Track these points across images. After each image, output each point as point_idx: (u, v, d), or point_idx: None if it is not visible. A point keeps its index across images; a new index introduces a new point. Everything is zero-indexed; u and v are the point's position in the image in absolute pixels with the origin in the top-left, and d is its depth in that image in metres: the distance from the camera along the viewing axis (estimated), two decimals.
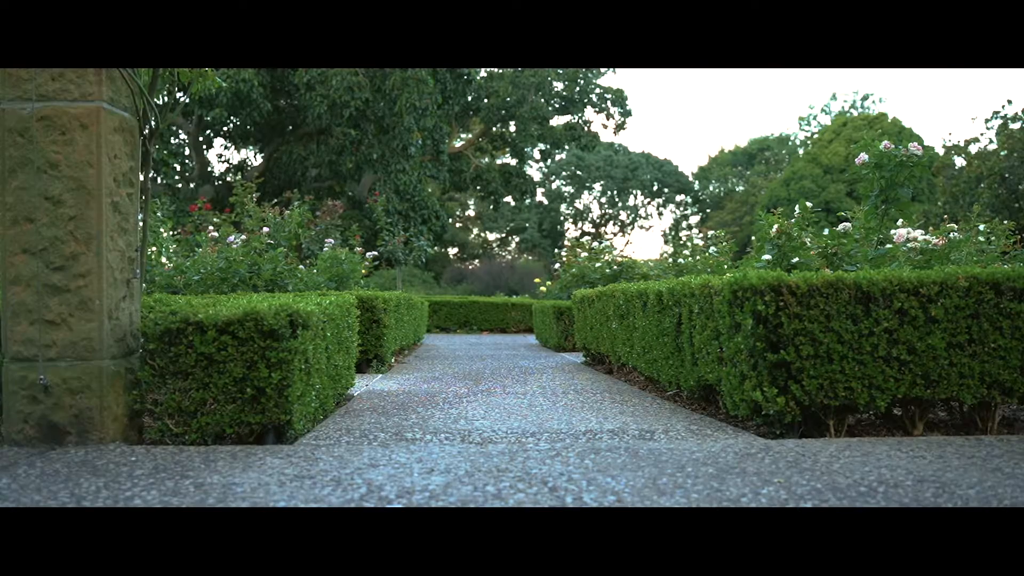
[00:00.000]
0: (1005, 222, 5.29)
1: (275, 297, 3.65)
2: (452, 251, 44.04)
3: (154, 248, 6.80)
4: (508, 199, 35.63)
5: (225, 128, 21.80)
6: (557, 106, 29.47)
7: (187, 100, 3.23)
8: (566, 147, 31.92)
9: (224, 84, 3.39)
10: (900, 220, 4.72)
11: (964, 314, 2.92)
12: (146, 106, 2.98)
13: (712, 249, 8.43)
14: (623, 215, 51.64)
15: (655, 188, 50.95)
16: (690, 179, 51.93)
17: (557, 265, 11.41)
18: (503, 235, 49.20)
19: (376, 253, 10.87)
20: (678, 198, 51.78)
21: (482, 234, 48.97)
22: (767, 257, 4.87)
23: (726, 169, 53.38)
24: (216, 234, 7.61)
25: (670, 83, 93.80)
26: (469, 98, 26.21)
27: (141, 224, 3.05)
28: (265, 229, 7.66)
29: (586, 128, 30.09)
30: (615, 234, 51.48)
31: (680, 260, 8.73)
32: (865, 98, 51.16)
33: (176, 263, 6.82)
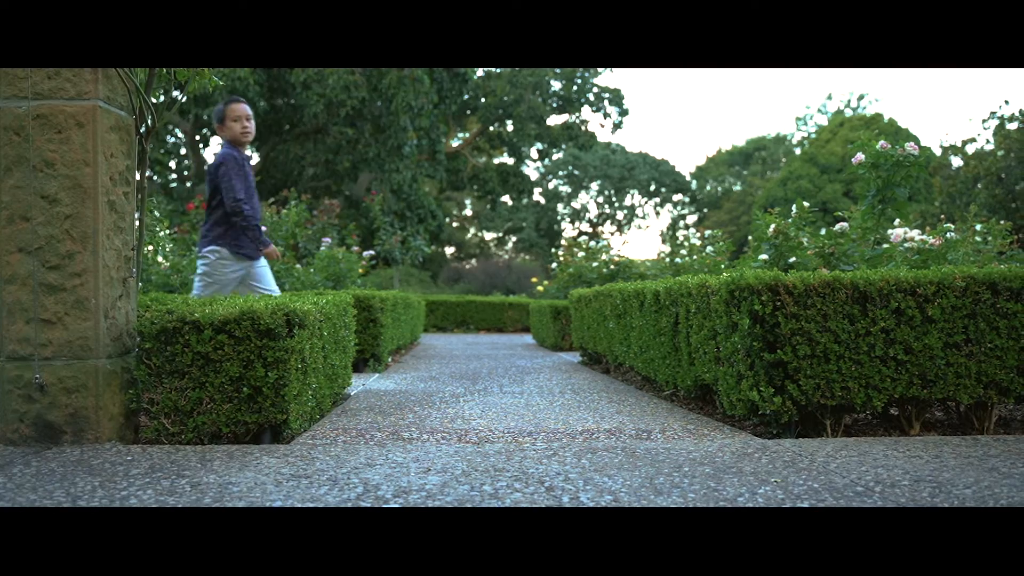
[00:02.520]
0: (1002, 222, 5.29)
1: (272, 296, 3.64)
2: (449, 250, 44.02)
3: (151, 247, 6.78)
4: (505, 198, 35.63)
5: None
6: (554, 105, 29.47)
7: (184, 99, 3.23)
8: (563, 146, 31.91)
9: (220, 83, 3.39)
10: (897, 220, 4.72)
11: (961, 314, 2.93)
12: (142, 104, 2.97)
13: (709, 249, 8.44)
14: (620, 215, 51.67)
15: (652, 188, 50.96)
16: (687, 179, 51.96)
17: (554, 265, 11.41)
18: (500, 234, 49.19)
19: (373, 252, 10.86)
20: (675, 198, 51.81)
21: (479, 233, 48.97)
22: (764, 257, 4.87)
23: (723, 169, 53.42)
24: None
25: (668, 83, 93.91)
26: (466, 97, 26.21)
27: (137, 223, 3.05)
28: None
29: (583, 127, 30.08)
30: (612, 233, 51.53)
31: (677, 260, 8.74)
32: (861, 98, 51.26)
33: (173, 262, 6.81)
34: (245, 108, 4.66)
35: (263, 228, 4.93)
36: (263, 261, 4.81)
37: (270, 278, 4.85)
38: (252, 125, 4.65)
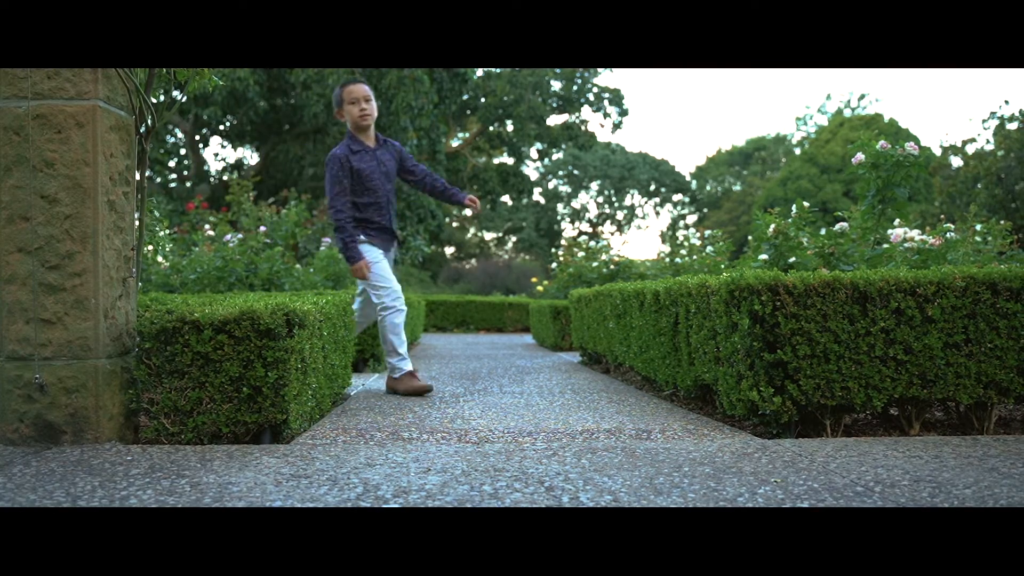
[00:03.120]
0: (1002, 222, 5.29)
1: (272, 296, 3.65)
2: (449, 250, 43.99)
3: (151, 247, 6.78)
4: (505, 198, 35.60)
5: (221, 127, 21.78)
6: (554, 105, 29.45)
7: (184, 99, 3.23)
8: (563, 146, 31.89)
9: (220, 83, 3.39)
10: (897, 220, 4.72)
11: (961, 314, 2.93)
12: (142, 104, 2.97)
13: (709, 249, 8.43)
14: (620, 215, 51.66)
15: (652, 188, 50.96)
16: (687, 179, 51.96)
17: (554, 264, 11.40)
18: (500, 234, 49.17)
19: None
20: (675, 198, 51.81)
21: (479, 233, 48.94)
22: (764, 257, 4.87)
23: (723, 169, 53.41)
24: (212, 233, 7.60)
25: (668, 83, 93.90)
26: (466, 97, 26.20)
27: (137, 223, 3.05)
28: (262, 228, 7.65)
29: (583, 127, 30.06)
30: (612, 234, 51.53)
31: (677, 260, 8.73)
32: (861, 98, 51.28)
33: (173, 262, 6.81)
34: (363, 89, 4.36)
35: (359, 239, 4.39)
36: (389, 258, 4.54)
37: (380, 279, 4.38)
38: (372, 106, 4.36)
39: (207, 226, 8.10)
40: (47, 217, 2.67)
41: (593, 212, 51.72)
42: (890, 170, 4.67)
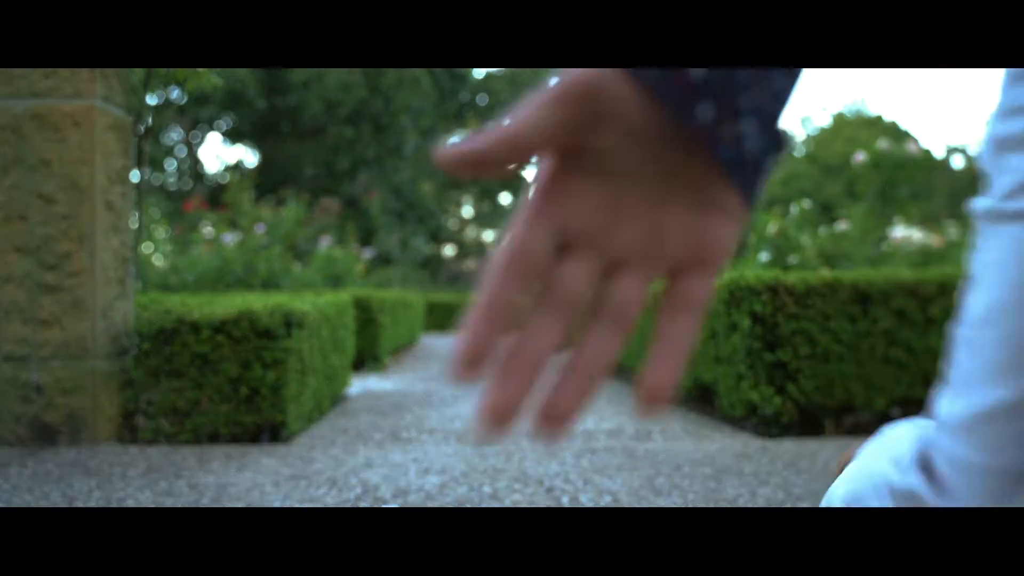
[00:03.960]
0: None
1: (270, 296, 3.63)
2: (449, 250, 43.97)
3: (150, 245, 6.77)
4: (505, 197, 35.57)
5: (220, 126, 21.78)
6: None
7: (184, 100, 3.22)
8: None
9: (219, 82, 3.38)
10: (898, 219, 4.71)
11: None
12: (140, 104, 2.96)
13: None
14: None
15: None
16: None
17: None
18: (501, 234, 49.12)
19: (372, 252, 10.84)
20: None
21: (479, 233, 48.93)
22: (765, 256, 4.86)
23: None
24: (211, 232, 7.59)
25: None
26: (466, 98, 26.21)
27: (136, 223, 3.04)
28: (260, 228, 7.64)
29: None
30: None
31: None
32: (863, 99, 51.29)
33: (171, 262, 6.80)
34: None
35: None
36: None
37: None
38: None
39: (206, 226, 8.08)
40: (44, 217, 2.66)
41: None
42: (891, 170, 4.66)
